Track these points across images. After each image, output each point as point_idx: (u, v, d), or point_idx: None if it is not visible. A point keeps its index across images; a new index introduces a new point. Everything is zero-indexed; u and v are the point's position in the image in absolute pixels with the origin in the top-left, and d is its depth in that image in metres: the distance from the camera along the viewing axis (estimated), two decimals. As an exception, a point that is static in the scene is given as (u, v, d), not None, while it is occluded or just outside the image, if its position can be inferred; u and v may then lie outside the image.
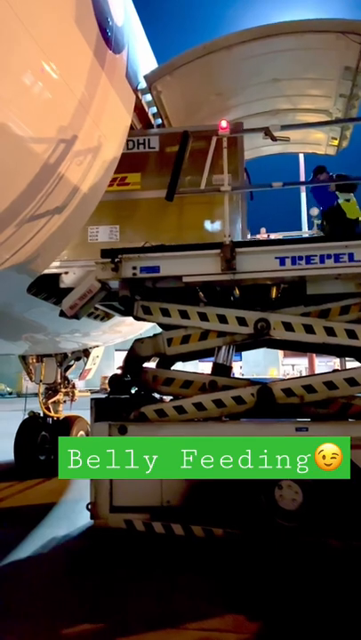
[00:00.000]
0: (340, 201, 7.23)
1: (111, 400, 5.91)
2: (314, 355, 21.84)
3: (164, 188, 5.57)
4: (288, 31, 6.19)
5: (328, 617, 3.84)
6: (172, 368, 6.31)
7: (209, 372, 5.99)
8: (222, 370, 6.12)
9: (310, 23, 6.21)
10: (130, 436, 5.44)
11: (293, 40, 6.19)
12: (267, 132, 5.47)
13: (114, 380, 6.10)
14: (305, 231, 14.43)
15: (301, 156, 19.54)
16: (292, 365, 41.75)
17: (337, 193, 7.21)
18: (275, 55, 6.50)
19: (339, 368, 11.86)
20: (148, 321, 6.08)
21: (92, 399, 5.70)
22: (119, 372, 6.10)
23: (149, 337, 6.03)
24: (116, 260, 5.44)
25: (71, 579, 4.65)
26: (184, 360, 6.69)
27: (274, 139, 5.51)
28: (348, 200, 7.19)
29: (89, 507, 5.46)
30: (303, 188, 21.53)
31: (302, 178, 21.38)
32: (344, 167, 7.48)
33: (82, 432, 9.16)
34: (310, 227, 10.75)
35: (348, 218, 7.12)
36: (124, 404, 5.79)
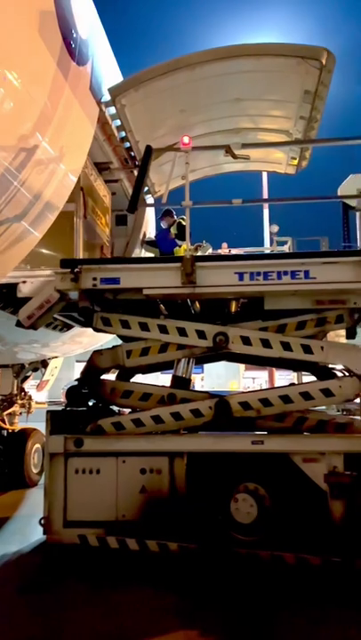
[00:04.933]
0: (176, 248, 7.66)
1: (67, 412, 5.82)
2: (274, 368, 22.17)
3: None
4: (250, 53, 6.36)
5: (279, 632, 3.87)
6: (132, 380, 6.29)
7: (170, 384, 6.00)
8: (182, 382, 6.15)
9: (271, 47, 6.41)
10: (86, 449, 5.38)
11: (255, 62, 6.36)
12: (228, 149, 5.59)
13: (71, 391, 6.02)
14: (267, 247, 14.77)
15: (265, 175, 20.04)
16: (253, 379, 42.16)
17: (176, 240, 7.70)
18: (237, 76, 6.66)
19: (296, 382, 12.07)
20: (108, 332, 6.04)
21: (47, 411, 5.60)
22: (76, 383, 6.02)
23: (108, 349, 5.99)
24: (75, 270, 5.40)
25: (22, 595, 4.51)
26: (144, 372, 6.70)
27: (234, 156, 5.63)
28: (179, 246, 7.64)
29: (42, 522, 5.33)
30: (266, 206, 22.13)
31: (265, 195, 21.96)
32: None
33: (38, 445, 8.96)
34: (271, 243, 11.00)
35: None
36: (81, 416, 5.73)
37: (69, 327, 7.72)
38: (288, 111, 7.19)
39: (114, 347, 5.95)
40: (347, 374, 5.59)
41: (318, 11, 61.67)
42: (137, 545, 5.07)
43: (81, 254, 6.15)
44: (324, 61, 6.00)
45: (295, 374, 10.09)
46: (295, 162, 8.26)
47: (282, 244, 9.44)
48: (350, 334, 5.88)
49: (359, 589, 4.48)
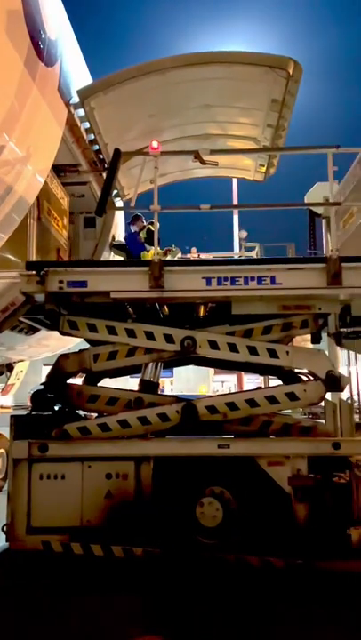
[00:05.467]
0: (143, 252, 7.77)
1: (32, 417, 5.73)
2: (242, 372, 22.39)
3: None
4: (220, 61, 6.45)
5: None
6: (99, 384, 6.24)
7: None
8: (149, 386, 6.13)
9: (241, 55, 6.52)
10: (51, 454, 5.30)
11: (225, 69, 6.46)
12: (196, 155, 5.63)
13: (36, 396, 5.93)
14: (236, 252, 14.92)
15: (235, 181, 20.27)
16: (222, 382, 42.43)
17: (145, 244, 7.83)
18: (207, 82, 6.74)
19: (263, 386, 12.23)
20: (75, 336, 5.98)
21: (11, 416, 5.50)
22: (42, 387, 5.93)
23: (75, 352, 5.92)
24: (41, 272, 5.33)
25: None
26: (111, 376, 6.65)
27: (203, 162, 5.67)
28: (147, 251, 7.75)
29: (4, 528, 5.22)
30: (236, 211, 22.35)
31: (235, 201, 22.18)
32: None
33: (2, 450, 8.79)
34: (240, 249, 11.11)
35: None
36: (46, 421, 5.64)
37: (36, 330, 7.61)
38: (256, 119, 7.31)
39: (81, 350, 5.90)
40: (312, 378, 5.68)
41: (287, 22, 63.02)
42: (102, 551, 5.01)
43: (34, 256, 6.07)
44: (291, 71, 6.13)
45: (263, 378, 10.21)
46: (263, 169, 8.39)
47: (250, 249, 9.56)
48: (315, 339, 5.99)
49: (323, 589, 4.55)
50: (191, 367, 9.36)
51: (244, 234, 8.98)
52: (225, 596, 4.47)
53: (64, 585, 4.70)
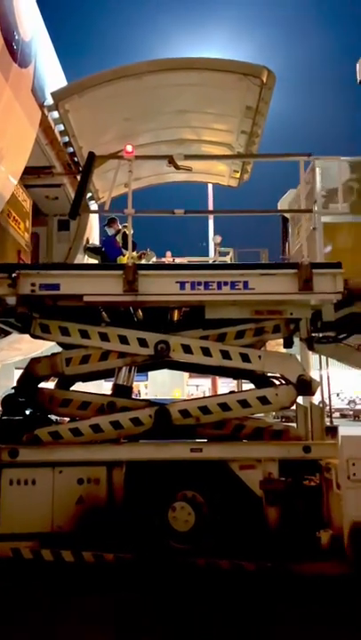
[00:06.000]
0: (120, 256, 7.78)
1: (2, 421, 5.64)
2: (217, 376, 22.46)
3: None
4: (195, 67, 6.51)
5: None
6: (72, 388, 6.18)
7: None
8: (122, 391, 6.10)
9: (216, 62, 6.59)
10: (22, 459, 5.23)
11: (200, 76, 6.52)
12: (170, 160, 5.64)
13: (7, 400, 5.84)
14: (211, 257, 15.00)
15: (210, 186, 20.39)
16: (197, 386, 42.53)
17: (122, 249, 7.81)
18: (183, 88, 6.79)
19: (236, 390, 12.32)
20: (47, 340, 5.91)
21: (-20, 421, 5.40)
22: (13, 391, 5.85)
23: (47, 356, 5.86)
24: (13, 275, 5.26)
25: None
26: (84, 380, 6.59)
27: (177, 167, 5.69)
28: (123, 255, 7.75)
29: (-28, 536, 5.12)
30: (211, 217, 22.48)
31: (210, 206, 22.30)
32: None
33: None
34: (215, 253, 11.18)
35: None
36: (17, 425, 5.56)
37: (7, 333, 7.50)
38: (230, 125, 7.39)
39: (53, 354, 5.84)
40: (283, 382, 5.74)
41: (261, 30, 64.00)
42: (72, 556, 4.96)
43: None
44: (264, 79, 6.22)
45: (236, 382, 10.27)
46: (237, 175, 8.48)
47: (224, 254, 9.63)
48: (287, 344, 6.06)
49: (299, 592, 4.58)
50: (166, 371, 9.33)
51: (219, 239, 9.06)
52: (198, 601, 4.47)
53: (34, 589, 4.63)
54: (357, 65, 5.56)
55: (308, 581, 4.66)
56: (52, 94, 6.22)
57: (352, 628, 3.97)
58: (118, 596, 4.52)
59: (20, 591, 4.68)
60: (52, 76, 6.69)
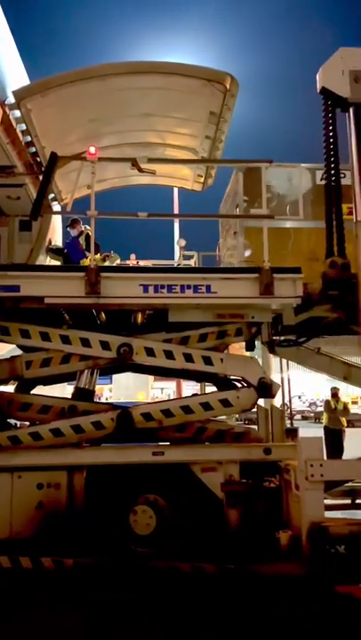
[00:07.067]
0: (83, 259, 7.72)
1: None
2: (181, 379, 22.49)
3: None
4: (160, 71, 6.51)
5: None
6: (32, 392, 6.08)
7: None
8: (84, 394, 6.04)
9: (180, 67, 6.61)
10: (-21, 464, 5.10)
11: (164, 80, 6.52)
12: (134, 162, 5.65)
13: (-36, 404, 5.68)
14: (176, 260, 15.03)
15: (176, 190, 20.45)
16: (162, 389, 42.53)
17: (86, 252, 7.73)
18: (147, 91, 6.78)
19: (199, 393, 12.41)
20: (6, 342, 5.80)
21: None
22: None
23: (6, 359, 5.74)
24: (-30, 276, 5.14)
25: None
26: (45, 384, 6.50)
27: (140, 170, 5.70)
28: (86, 257, 7.65)
29: None
30: (176, 220, 22.54)
31: (176, 210, 22.36)
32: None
33: None
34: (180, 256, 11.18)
35: None
36: (-25, 430, 5.42)
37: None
38: (194, 130, 7.44)
39: (12, 357, 5.73)
40: (245, 385, 5.81)
41: (228, 36, 64.84)
42: (31, 563, 4.86)
43: None
44: (228, 86, 6.29)
45: (200, 385, 10.32)
46: (202, 179, 8.53)
47: (189, 257, 9.67)
48: (249, 347, 6.15)
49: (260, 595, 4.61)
50: (131, 374, 9.28)
51: (183, 242, 9.08)
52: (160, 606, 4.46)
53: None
54: (317, 76, 5.69)
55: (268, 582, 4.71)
56: (14, 93, 6.11)
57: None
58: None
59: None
60: (14, 74, 6.58)
